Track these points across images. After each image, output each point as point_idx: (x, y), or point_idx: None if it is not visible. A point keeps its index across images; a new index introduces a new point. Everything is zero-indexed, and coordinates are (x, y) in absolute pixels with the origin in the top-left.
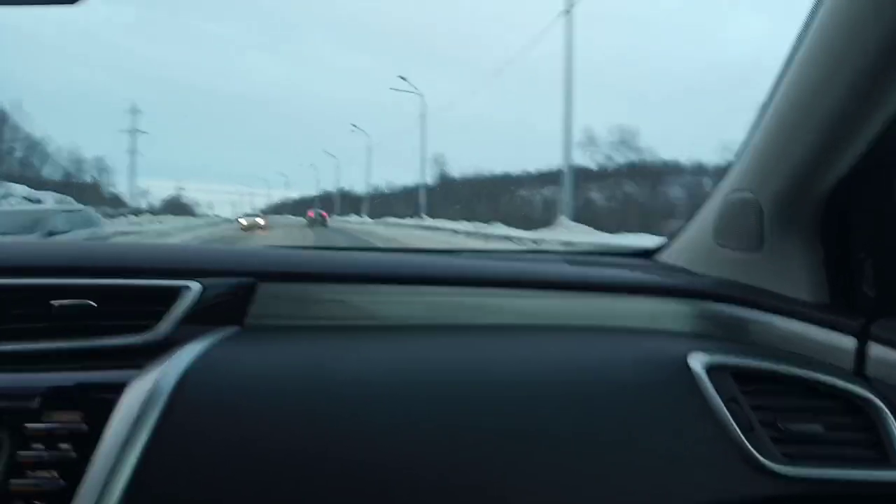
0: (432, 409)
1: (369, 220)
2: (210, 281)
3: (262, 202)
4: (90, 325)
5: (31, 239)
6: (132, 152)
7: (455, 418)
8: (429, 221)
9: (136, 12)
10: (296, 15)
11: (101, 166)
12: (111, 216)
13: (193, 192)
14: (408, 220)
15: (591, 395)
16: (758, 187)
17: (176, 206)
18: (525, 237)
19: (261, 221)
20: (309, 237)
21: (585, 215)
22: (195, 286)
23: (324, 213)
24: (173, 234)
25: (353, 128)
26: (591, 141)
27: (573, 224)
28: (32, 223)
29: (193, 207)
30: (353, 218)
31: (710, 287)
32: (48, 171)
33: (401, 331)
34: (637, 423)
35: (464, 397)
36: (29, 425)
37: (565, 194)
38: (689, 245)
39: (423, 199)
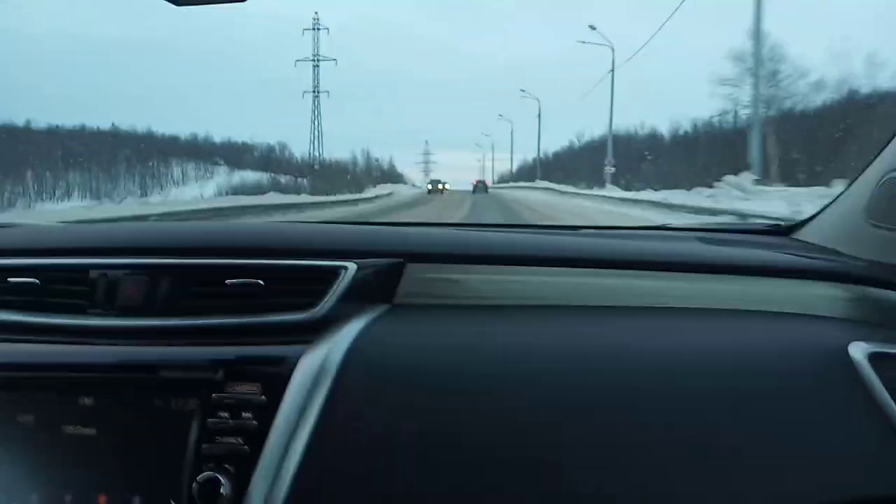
0: (579, 390)
1: (541, 184)
2: (364, 262)
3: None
4: (258, 303)
5: None
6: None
7: (602, 401)
8: (615, 192)
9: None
10: None
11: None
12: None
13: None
14: (587, 191)
15: (741, 384)
16: None
17: (391, 176)
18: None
19: (440, 187)
20: (468, 199)
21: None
22: (351, 266)
23: (486, 182)
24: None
25: (522, 93)
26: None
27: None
28: None
29: (401, 176)
30: (524, 184)
31: (869, 270)
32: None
33: (542, 311)
34: (793, 414)
35: (610, 381)
36: (215, 395)
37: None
38: (836, 223)
39: (610, 163)
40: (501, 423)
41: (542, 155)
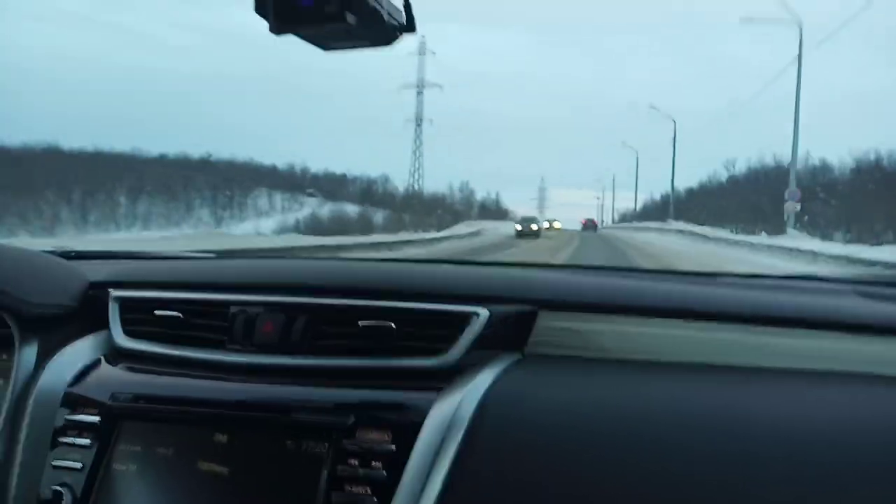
0: (720, 459)
1: (675, 225)
2: (496, 308)
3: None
4: (390, 345)
5: None
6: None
7: (744, 473)
8: (805, 242)
9: None
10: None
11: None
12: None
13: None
14: (754, 239)
15: None
16: None
17: (492, 212)
18: None
19: (534, 227)
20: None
21: None
22: (483, 312)
23: (594, 221)
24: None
25: (653, 109)
26: None
27: None
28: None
29: (507, 213)
30: (652, 224)
31: None
32: None
33: (679, 368)
34: None
35: (756, 451)
36: (346, 441)
37: None
38: None
39: (794, 197)
40: (634, 485)
41: (673, 189)
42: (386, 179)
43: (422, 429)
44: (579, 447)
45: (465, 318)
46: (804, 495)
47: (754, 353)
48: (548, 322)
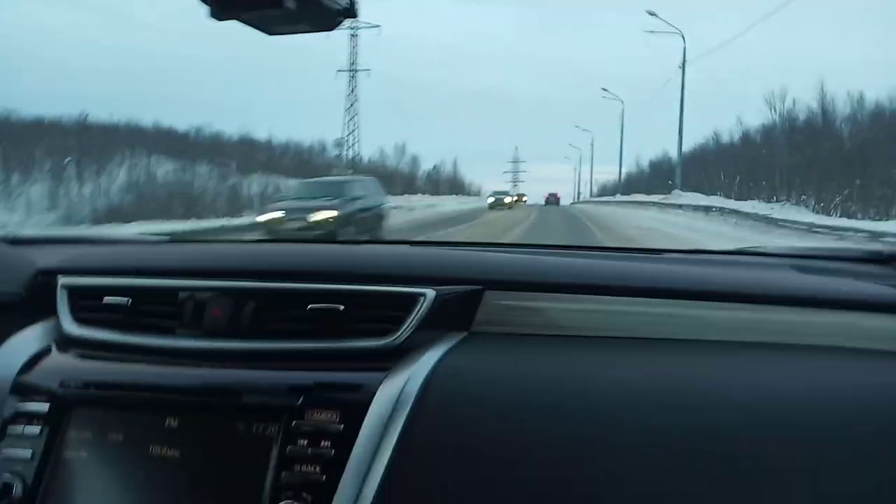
0: (663, 428)
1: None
2: (443, 288)
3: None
4: (339, 327)
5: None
6: None
7: (687, 440)
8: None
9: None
10: None
11: None
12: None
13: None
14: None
15: (838, 427)
16: None
17: (454, 186)
18: None
19: (506, 200)
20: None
21: None
22: (430, 293)
23: (557, 196)
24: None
25: (605, 92)
26: None
27: None
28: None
29: (468, 187)
30: (604, 198)
31: None
32: None
33: (623, 343)
34: (892, 461)
35: (697, 419)
36: (295, 422)
37: None
38: None
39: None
40: (580, 457)
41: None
42: (323, 148)
43: (369, 408)
44: (521, 419)
45: (412, 299)
46: (742, 466)
47: (696, 326)
48: (494, 301)
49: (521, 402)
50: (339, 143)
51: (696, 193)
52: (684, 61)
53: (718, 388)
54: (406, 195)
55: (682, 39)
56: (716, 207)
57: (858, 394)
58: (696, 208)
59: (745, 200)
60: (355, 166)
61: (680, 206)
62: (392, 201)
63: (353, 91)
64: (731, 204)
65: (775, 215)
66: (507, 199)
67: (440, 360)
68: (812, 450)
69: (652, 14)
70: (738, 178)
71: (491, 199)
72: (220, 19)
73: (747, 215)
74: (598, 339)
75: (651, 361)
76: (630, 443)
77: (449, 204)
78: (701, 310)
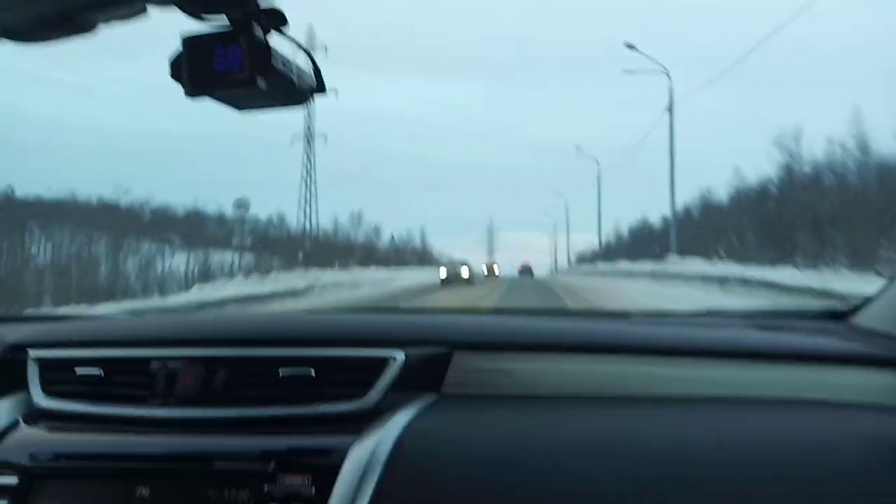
0: (630, 485)
1: (686, 266)
2: (412, 351)
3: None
4: (310, 392)
5: None
6: None
7: (655, 495)
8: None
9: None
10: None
11: None
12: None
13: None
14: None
15: (796, 476)
16: None
17: (422, 257)
18: None
19: (464, 274)
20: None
21: None
22: (399, 356)
23: (531, 266)
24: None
25: (578, 150)
26: None
27: None
28: None
29: (438, 257)
30: (584, 267)
31: None
32: None
33: (592, 402)
34: None
35: (664, 475)
36: (267, 486)
37: None
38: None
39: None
40: None
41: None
42: (282, 219)
43: (340, 471)
44: (490, 481)
45: (382, 362)
46: None
47: (662, 383)
48: (463, 363)
49: (491, 463)
50: (239, 205)
51: (696, 258)
52: (671, 102)
53: (686, 444)
54: (357, 268)
55: (667, 78)
56: (735, 277)
57: (820, 442)
58: (706, 279)
59: (771, 265)
60: (311, 237)
61: (682, 276)
62: (330, 276)
63: (309, 159)
64: (756, 272)
65: (836, 287)
66: (466, 273)
67: (410, 423)
68: (780, 499)
69: (631, 47)
70: (748, 235)
71: (443, 275)
72: (193, 97)
73: (790, 289)
74: (567, 399)
75: (619, 419)
76: (599, 500)
77: (400, 277)
78: (667, 367)
